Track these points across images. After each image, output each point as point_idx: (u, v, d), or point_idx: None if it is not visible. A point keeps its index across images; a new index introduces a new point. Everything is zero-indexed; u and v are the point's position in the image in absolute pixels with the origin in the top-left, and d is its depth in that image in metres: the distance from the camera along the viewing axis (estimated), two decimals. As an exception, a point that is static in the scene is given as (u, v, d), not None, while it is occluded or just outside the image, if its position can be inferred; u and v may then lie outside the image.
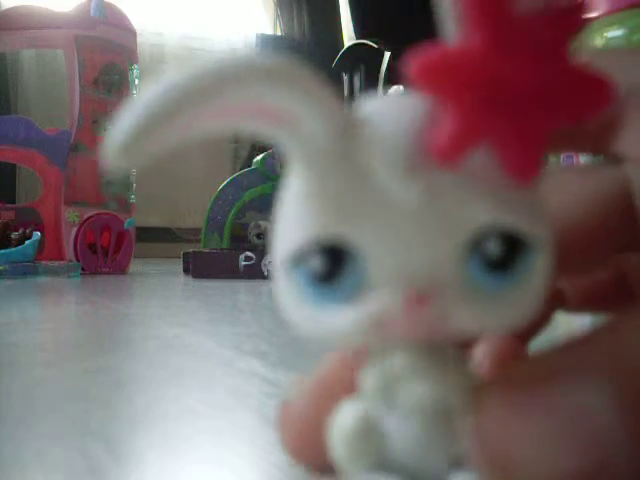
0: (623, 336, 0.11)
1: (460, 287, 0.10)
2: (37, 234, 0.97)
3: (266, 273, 0.93)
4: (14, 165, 1.81)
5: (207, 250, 1.04)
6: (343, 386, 0.12)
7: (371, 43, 1.43)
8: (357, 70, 1.58)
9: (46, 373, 0.25)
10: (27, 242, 0.94)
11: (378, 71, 1.41)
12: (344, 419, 0.11)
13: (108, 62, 1.12)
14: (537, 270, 0.10)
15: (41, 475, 0.13)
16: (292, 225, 0.10)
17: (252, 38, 2.37)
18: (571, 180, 0.14)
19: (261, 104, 0.09)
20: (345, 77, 1.62)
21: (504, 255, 0.10)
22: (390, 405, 0.11)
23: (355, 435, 0.11)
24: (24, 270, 0.90)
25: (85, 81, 1.10)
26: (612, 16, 0.68)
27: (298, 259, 0.10)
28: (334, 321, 0.10)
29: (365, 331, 0.10)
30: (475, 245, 0.10)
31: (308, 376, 0.14)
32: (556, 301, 0.14)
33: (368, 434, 0.11)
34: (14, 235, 0.95)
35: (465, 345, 0.12)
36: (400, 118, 0.10)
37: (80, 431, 0.16)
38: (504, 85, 0.10)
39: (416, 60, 0.09)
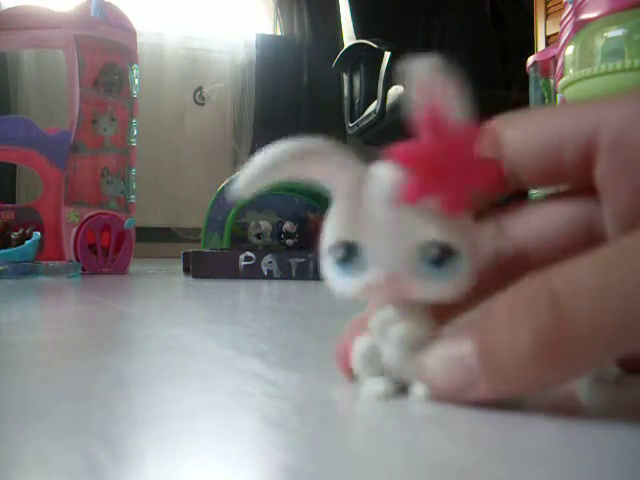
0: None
1: (413, 273, 0.19)
2: (37, 234, 0.97)
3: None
4: (14, 165, 1.81)
5: (207, 250, 1.04)
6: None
7: (371, 43, 1.43)
8: (357, 70, 1.58)
9: (46, 373, 0.25)
10: (27, 242, 0.94)
11: (378, 71, 1.41)
12: (359, 346, 0.20)
13: (108, 62, 1.12)
14: (460, 266, 0.18)
15: (41, 475, 0.13)
16: (330, 230, 0.20)
17: (252, 38, 2.37)
18: (547, 208, 0.21)
19: (315, 169, 0.19)
20: (345, 77, 1.62)
21: (440, 256, 0.18)
22: (383, 337, 0.20)
23: (365, 356, 0.20)
24: (24, 270, 0.90)
25: (85, 81, 1.10)
26: (612, 16, 0.68)
27: (332, 249, 0.19)
28: (348, 285, 0.19)
29: (362, 292, 0.19)
30: (423, 250, 0.18)
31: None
32: None
33: (372, 355, 0.20)
34: (14, 235, 0.95)
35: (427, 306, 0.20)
36: (387, 178, 0.19)
37: (80, 431, 0.16)
38: (438, 165, 0.18)
39: (395, 150, 0.19)
